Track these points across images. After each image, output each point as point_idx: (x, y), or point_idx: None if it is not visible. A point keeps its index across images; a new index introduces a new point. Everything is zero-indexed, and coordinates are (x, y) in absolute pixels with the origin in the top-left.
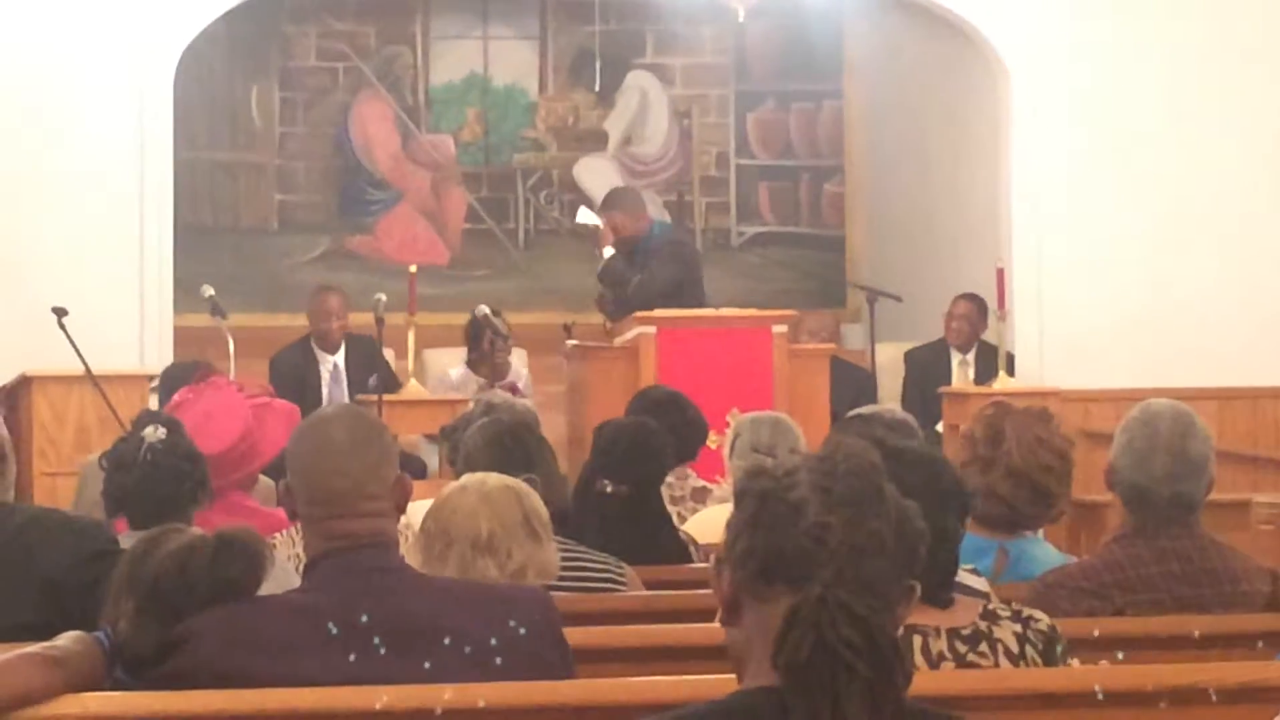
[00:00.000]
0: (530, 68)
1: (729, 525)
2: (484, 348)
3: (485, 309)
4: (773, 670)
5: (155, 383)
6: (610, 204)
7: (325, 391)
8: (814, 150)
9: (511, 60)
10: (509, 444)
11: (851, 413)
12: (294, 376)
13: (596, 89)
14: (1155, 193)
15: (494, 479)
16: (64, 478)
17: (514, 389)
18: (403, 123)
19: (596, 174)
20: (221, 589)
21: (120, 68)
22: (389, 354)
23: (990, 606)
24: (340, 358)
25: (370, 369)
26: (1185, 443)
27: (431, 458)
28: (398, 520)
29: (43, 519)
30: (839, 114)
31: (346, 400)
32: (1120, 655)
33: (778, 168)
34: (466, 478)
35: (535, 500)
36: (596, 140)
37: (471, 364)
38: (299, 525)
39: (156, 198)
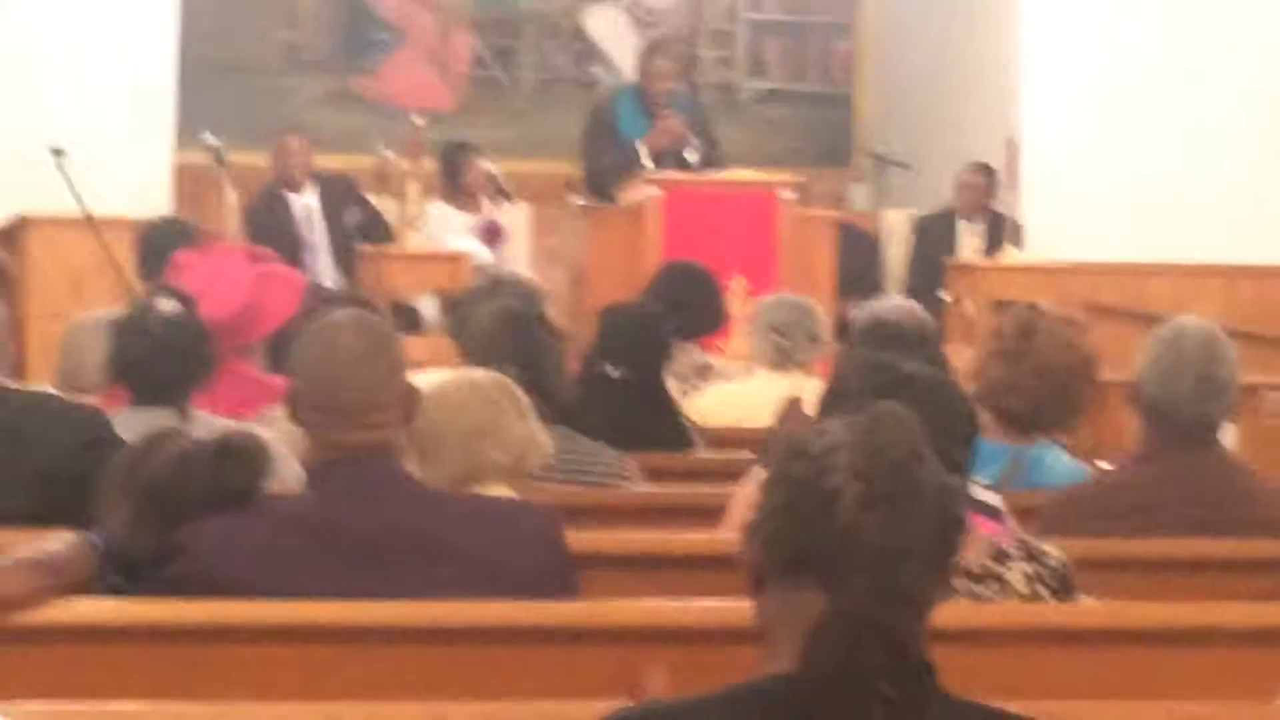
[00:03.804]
0: None
1: (761, 499)
2: (460, 181)
3: (493, 167)
4: (796, 659)
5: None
6: (672, 54)
7: (299, 233)
8: (825, 6)
9: None
10: (518, 332)
11: (864, 316)
12: (268, 223)
13: None
14: (1170, 65)
15: (473, 372)
16: (58, 321)
17: (494, 228)
18: None
19: (604, 23)
20: (222, 495)
21: None
22: (390, 202)
23: (1001, 546)
24: (311, 198)
25: (345, 207)
26: (1211, 364)
27: (428, 309)
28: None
29: (39, 406)
30: None
31: (326, 238)
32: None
33: (788, 23)
34: (445, 374)
35: (513, 385)
36: None
37: (446, 196)
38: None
39: (160, 34)
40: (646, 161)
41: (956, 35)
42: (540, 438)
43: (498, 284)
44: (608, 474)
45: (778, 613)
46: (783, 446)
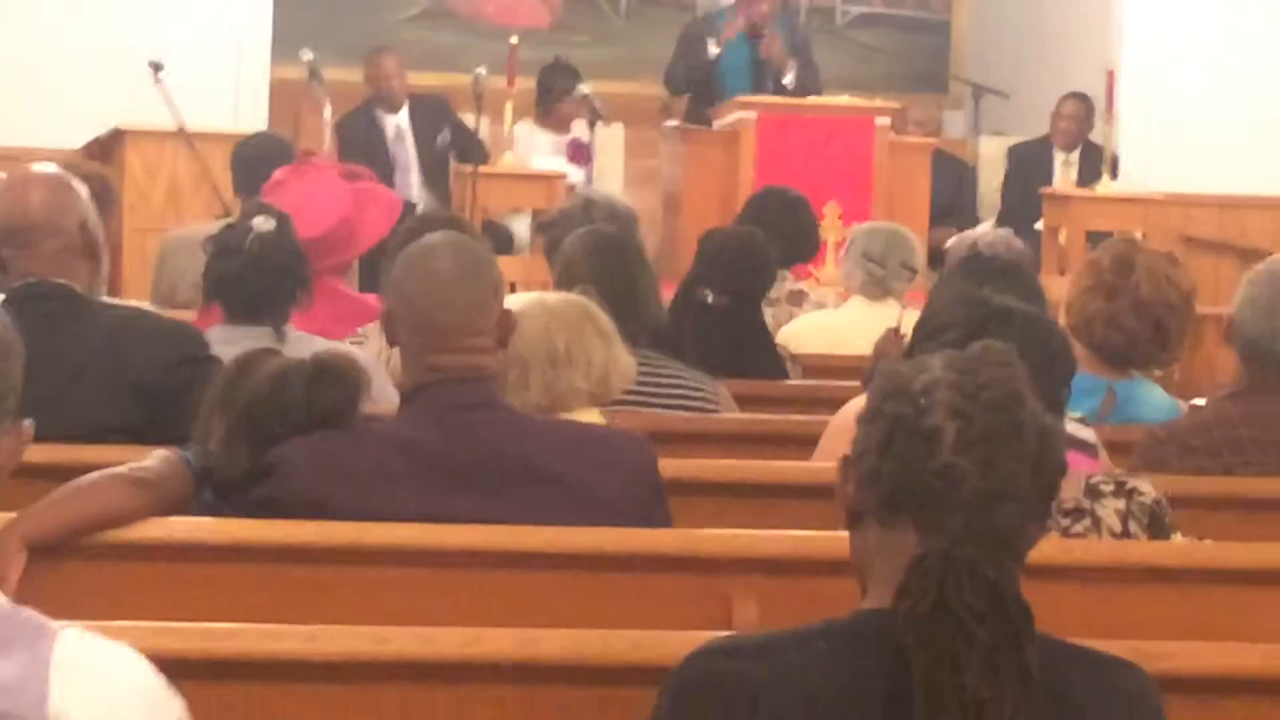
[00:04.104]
0: None
1: (858, 434)
2: (554, 102)
3: (586, 88)
4: (891, 597)
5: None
6: None
7: (390, 152)
8: None
9: None
10: (610, 257)
11: (960, 247)
12: (359, 140)
13: None
14: None
15: (551, 296)
16: (154, 234)
17: (580, 148)
18: None
19: None
20: (316, 415)
21: None
22: (485, 121)
23: (1093, 480)
24: (403, 118)
25: (438, 127)
26: None
27: (520, 229)
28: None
29: (135, 321)
30: None
31: (416, 159)
32: None
33: None
34: (523, 299)
35: (594, 307)
36: None
37: (537, 116)
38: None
39: None
40: (714, 49)
41: None
42: (623, 360)
43: (590, 205)
44: (697, 398)
45: (873, 549)
46: (882, 382)
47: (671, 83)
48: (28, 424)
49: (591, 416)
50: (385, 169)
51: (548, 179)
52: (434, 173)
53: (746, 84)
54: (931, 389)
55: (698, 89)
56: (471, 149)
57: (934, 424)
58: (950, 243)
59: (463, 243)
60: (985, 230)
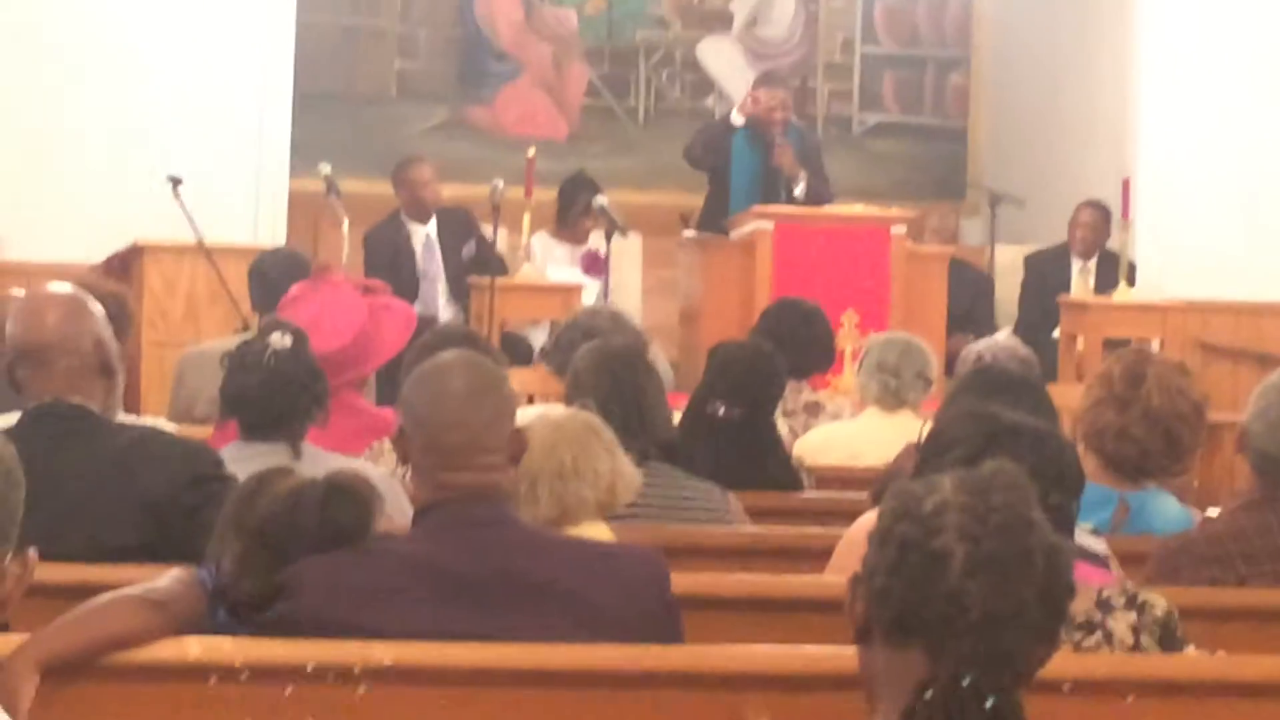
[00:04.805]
0: None
1: (868, 553)
2: (573, 215)
3: (603, 200)
4: (897, 716)
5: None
6: (781, 82)
7: (418, 264)
8: (940, 40)
9: None
10: (617, 370)
11: (967, 360)
12: (388, 252)
13: None
14: None
15: (555, 411)
16: (172, 348)
17: (596, 260)
18: None
19: (719, 55)
20: (329, 535)
21: None
22: (502, 232)
23: (1104, 594)
24: (431, 229)
25: (463, 239)
26: None
27: (540, 341)
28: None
29: (148, 441)
30: (968, 4)
31: (442, 271)
32: None
33: (903, 57)
34: (528, 414)
35: (597, 420)
36: (721, 21)
37: (557, 228)
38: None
39: (277, 64)
40: (737, 120)
41: (1072, 71)
42: (628, 471)
43: (595, 319)
44: (706, 509)
45: (882, 669)
46: (893, 502)
47: (689, 153)
48: (32, 552)
49: (600, 528)
50: (412, 281)
51: (565, 291)
52: (459, 285)
53: (757, 192)
54: (941, 511)
55: (714, 157)
56: (491, 261)
57: (942, 546)
58: (960, 356)
59: (475, 361)
60: (993, 341)
